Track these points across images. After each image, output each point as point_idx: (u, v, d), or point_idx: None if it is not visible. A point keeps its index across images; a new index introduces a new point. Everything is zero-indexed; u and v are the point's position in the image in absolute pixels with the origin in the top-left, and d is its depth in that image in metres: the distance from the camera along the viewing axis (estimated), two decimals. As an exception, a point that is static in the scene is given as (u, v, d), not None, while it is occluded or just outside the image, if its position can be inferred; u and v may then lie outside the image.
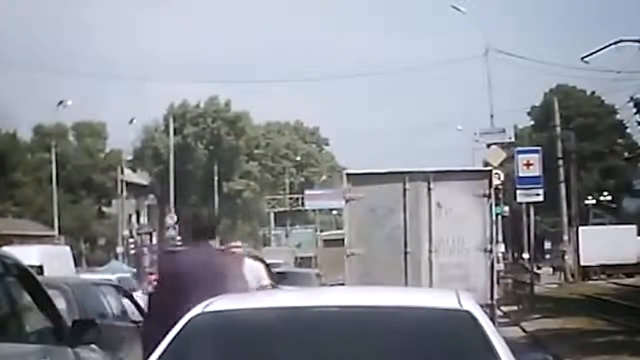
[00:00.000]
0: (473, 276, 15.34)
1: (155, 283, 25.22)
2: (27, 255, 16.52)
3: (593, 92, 78.69)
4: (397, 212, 15.65)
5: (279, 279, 27.73)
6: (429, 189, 15.69)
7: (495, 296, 16.06)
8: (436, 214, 15.69)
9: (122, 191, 73.34)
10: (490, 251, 15.69)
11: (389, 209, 15.71)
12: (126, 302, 13.88)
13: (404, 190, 15.68)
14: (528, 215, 49.56)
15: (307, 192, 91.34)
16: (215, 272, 7.42)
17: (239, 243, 9.84)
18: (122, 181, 73.70)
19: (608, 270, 53.44)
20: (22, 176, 66.14)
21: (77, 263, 38.31)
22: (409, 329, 4.92)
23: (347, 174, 16.52)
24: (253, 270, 10.26)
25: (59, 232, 60.55)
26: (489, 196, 15.84)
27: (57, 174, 63.41)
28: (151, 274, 26.14)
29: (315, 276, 32.79)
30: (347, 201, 15.87)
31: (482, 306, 5.17)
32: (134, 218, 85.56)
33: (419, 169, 16.35)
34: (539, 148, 33.91)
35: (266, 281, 11.36)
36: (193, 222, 8.00)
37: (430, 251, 15.62)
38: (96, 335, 7.63)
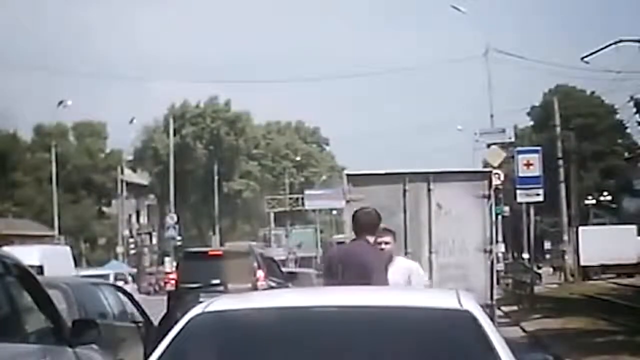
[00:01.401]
0: (473, 276, 15.33)
1: (173, 282, 25.07)
2: (27, 255, 16.52)
3: (593, 92, 78.69)
4: (397, 213, 15.62)
5: (289, 278, 27.91)
6: (429, 190, 15.68)
7: (495, 296, 16.06)
8: (436, 214, 15.67)
9: (122, 191, 73.39)
10: (490, 252, 15.68)
11: (389, 210, 15.65)
12: (127, 302, 13.86)
13: (404, 191, 15.66)
14: (528, 215, 49.63)
15: (307, 192, 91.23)
16: (360, 264, 8.50)
17: (387, 239, 9.57)
18: (122, 181, 73.75)
19: (608, 270, 53.41)
20: (22, 176, 66.19)
21: (77, 263, 38.31)
22: (409, 328, 4.92)
23: (347, 175, 16.46)
24: (404, 269, 9.76)
25: (59, 232, 60.58)
26: (489, 197, 15.82)
27: (57, 174, 63.42)
28: (168, 273, 26.01)
29: (315, 276, 32.98)
30: (347, 202, 15.85)
31: (482, 306, 5.16)
32: (134, 218, 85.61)
33: (418, 169, 16.33)
34: (539, 148, 33.94)
35: (422, 282, 10.16)
36: (356, 219, 9.07)
37: (430, 252, 15.60)
38: (96, 335, 7.63)
